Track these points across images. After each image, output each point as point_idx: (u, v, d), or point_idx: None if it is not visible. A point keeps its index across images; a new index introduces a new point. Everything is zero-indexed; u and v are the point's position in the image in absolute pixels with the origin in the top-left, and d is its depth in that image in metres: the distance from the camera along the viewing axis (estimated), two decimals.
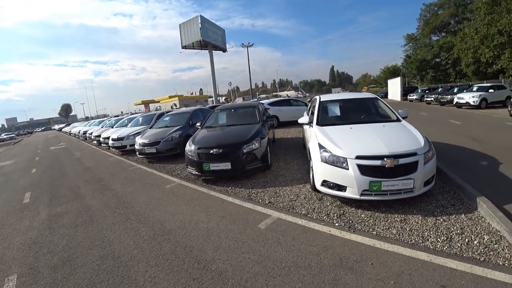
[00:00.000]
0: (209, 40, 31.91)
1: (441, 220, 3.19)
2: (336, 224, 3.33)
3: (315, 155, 3.99)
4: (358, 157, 3.51)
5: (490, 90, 15.83)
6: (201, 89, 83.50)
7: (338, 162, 3.63)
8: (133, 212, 4.42)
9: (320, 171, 3.85)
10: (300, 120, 5.54)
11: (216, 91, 36.56)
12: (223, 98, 79.17)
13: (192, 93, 71.94)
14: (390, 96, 33.61)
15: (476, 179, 4.25)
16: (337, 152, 3.71)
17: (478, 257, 2.50)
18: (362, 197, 3.47)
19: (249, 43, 43.31)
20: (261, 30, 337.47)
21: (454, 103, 17.34)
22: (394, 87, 31.83)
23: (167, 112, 11.34)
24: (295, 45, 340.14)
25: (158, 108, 52.79)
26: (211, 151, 5.07)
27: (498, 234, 2.81)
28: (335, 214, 3.56)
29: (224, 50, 37.35)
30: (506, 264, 2.38)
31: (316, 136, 4.33)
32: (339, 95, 6.86)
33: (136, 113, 23.72)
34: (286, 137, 9.84)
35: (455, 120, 11.73)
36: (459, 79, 32.06)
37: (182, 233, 3.49)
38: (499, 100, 15.84)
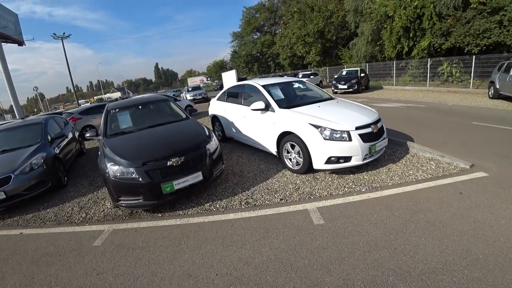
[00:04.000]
0: None
1: (403, 162, 4.77)
2: (363, 190, 3.85)
3: (313, 136, 4.15)
4: (357, 128, 4.12)
5: (311, 77, 22.15)
6: None
7: (340, 136, 4.06)
8: None
9: (324, 149, 4.07)
10: (253, 107, 5.09)
11: (17, 98, 24.13)
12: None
13: None
14: (227, 87, 37.52)
15: None
16: (337, 127, 4.09)
17: (445, 173, 4.21)
18: (364, 161, 4.16)
19: (64, 33, 34.28)
20: (62, 21, 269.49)
21: None
22: (230, 78, 35.81)
23: None
24: (109, 40, 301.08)
25: None
26: (169, 163, 3.60)
27: (434, 159, 4.75)
28: (349, 184, 4.02)
29: (21, 43, 24.25)
30: (455, 172, 4.22)
31: (295, 119, 4.45)
32: (269, 80, 6.34)
33: None
34: None
35: None
36: (278, 70, 41.30)
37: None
38: (316, 83, 22.40)
